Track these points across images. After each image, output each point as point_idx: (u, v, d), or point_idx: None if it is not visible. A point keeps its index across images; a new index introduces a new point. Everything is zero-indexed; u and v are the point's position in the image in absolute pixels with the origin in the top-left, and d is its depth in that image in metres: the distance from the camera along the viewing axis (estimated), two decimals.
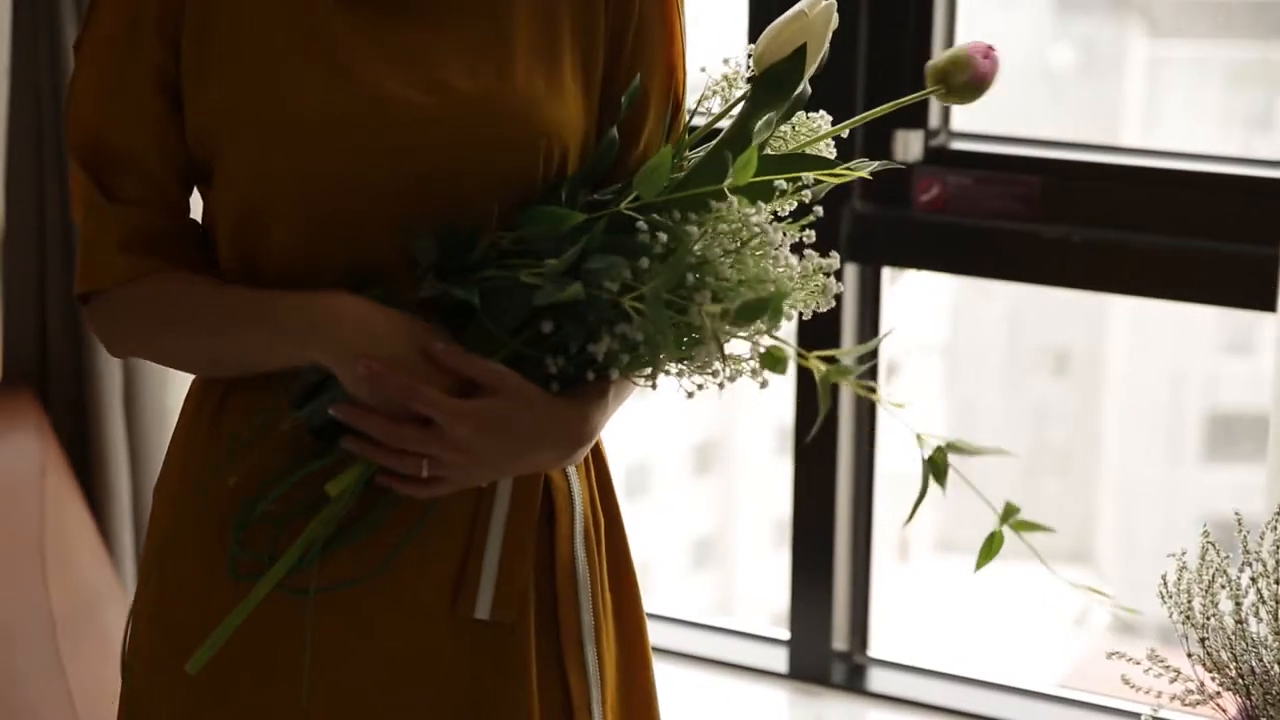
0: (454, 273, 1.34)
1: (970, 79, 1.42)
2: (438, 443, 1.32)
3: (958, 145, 2.40)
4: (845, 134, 1.43)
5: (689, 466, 5.87)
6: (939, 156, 2.39)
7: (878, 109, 1.46)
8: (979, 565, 1.38)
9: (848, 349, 1.36)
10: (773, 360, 1.34)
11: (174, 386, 2.43)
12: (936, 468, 1.33)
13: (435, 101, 1.34)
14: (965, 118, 2.47)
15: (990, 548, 1.36)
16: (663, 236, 1.31)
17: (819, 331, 2.46)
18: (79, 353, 2.40)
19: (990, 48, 1.43)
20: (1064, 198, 2.33)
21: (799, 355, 1.34)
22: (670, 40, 1.45)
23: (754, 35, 1.48)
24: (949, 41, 2.41)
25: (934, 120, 2.40)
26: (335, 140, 1.33)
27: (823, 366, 1.34)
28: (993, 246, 2.37)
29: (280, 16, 1.34)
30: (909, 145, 2.38)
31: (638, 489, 5.78)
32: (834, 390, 1.34)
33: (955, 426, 5.53)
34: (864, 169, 1.41)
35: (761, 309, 1.30)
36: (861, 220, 2.42)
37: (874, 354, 2.39)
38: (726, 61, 1.45)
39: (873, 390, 1.36)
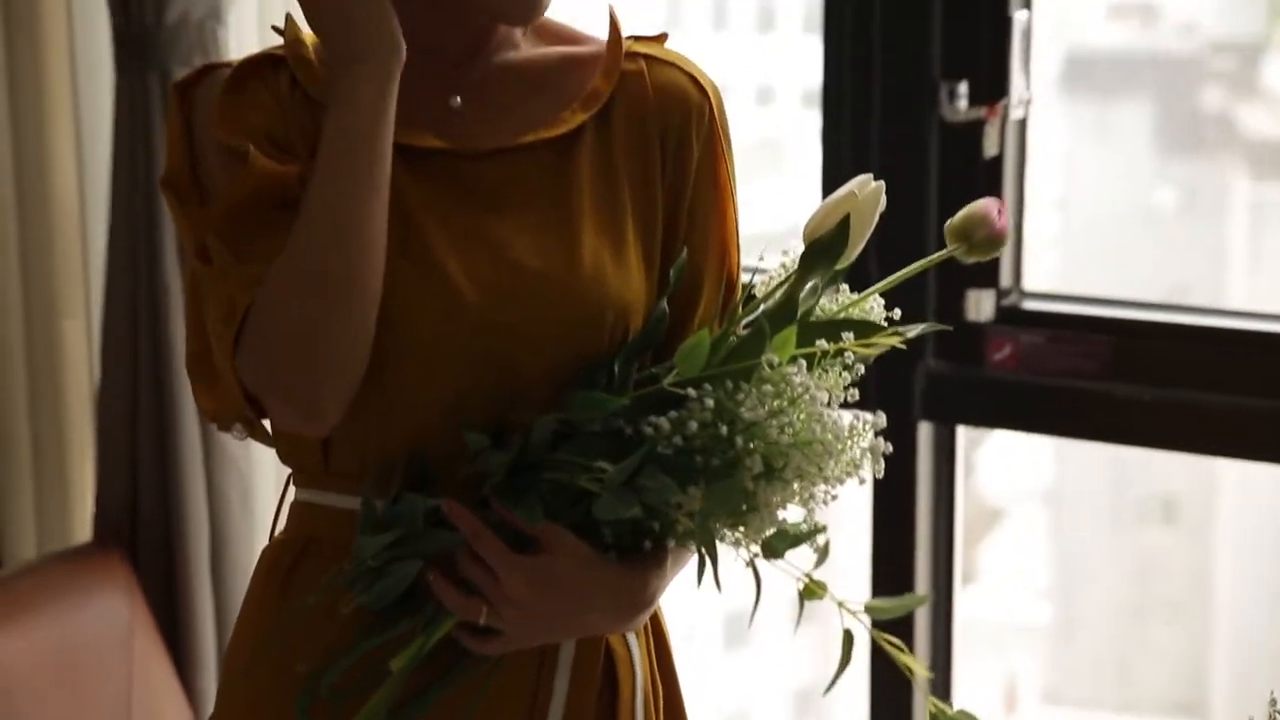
0: (514, 471, 1.43)
1: (989, 234, 1.52)
2: (494, 591, 1.40)
3: (1030, 305, 2.48)
4: (892, 305, 1.52)
5: (788, 616, 5.89)
6: (1011, 316, 2.47)
7: (902, 271, 1.54)
8: None
9: (884, 602, 1.47)
10: (810, 593, 1.45)
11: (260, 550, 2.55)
12: None
13: (507, 281, 1.43)
14: (1038, 277, 2.55)
15: None
16: (709, 402, 1.39)
17: (894, 487, 2.54)
18: (169, 514, 2.53)
19: (1001, 204, 1.53)
20: (1137, 357, 2.39)
21: (838, 604, 1.48)
22: (723, 220, 1.54)
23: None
24: (1019, 208, 2.50)
25: (1005, 279, 2.48)
26: (409, 316, 1.43)
27: (853, 611, 1.46)
28: (1067, 405, 2.44)
29: None
30: (981, 305, 2.46)
31: (736, 639, 5.82)
32: (850, 643, 1.49)
33: (1061, 575, 5.53)
34: (903, 335, 1.48)
35: (800, 539, 1.41)
36: (935, 379, 2.50)
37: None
38: (786, 252, 1.54)
39: (890, 643, 1.51)
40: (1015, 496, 5.43)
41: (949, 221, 1.53)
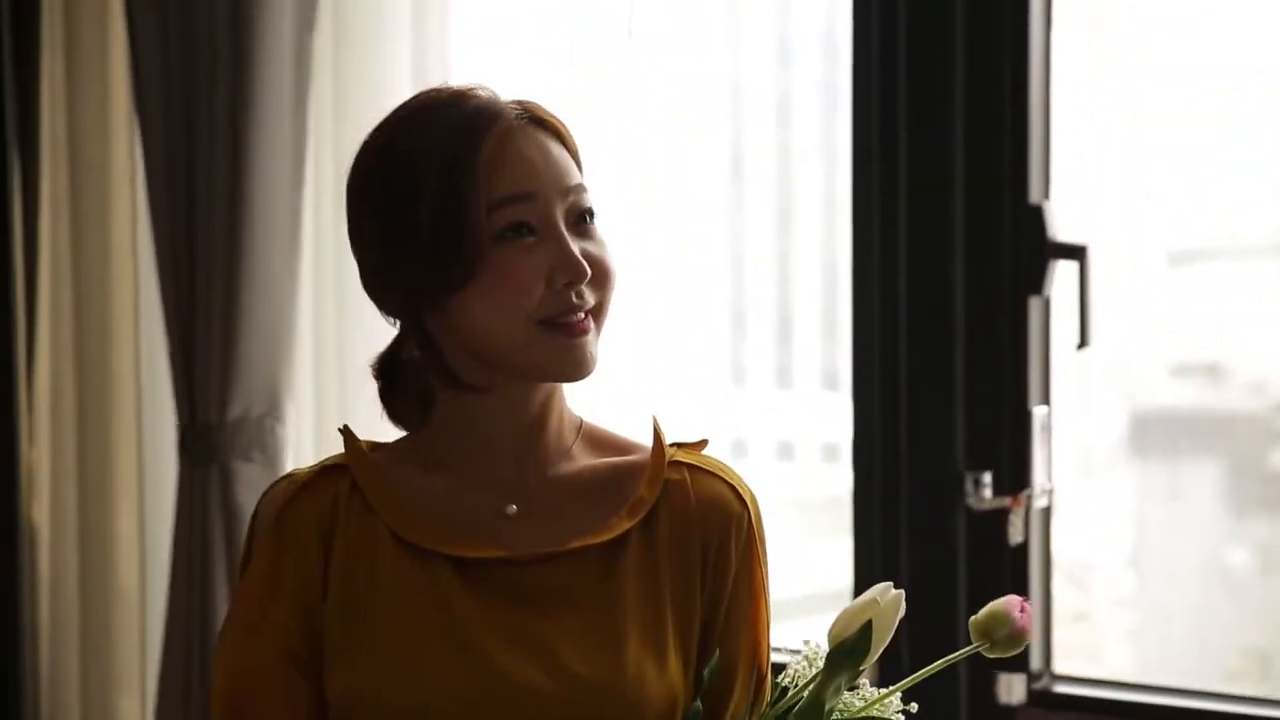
0: None
1: (1010, 633, 1.66)
2: None
3: (1061, 689, 2.66)
4: (908, 698, 1.68)
5: None
6: (1042, 699, 2.64)
7: (924, 670, 1.68)
8: None
9: None
10: None
11: None
12: None
13: (555, 687, 1.60)
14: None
15: None
16: None
17: None
18: None
19: (1024, 601, 1.67)
20: None
21: None
22: (756, 620, 1.71)
23: None
24: (1046, 594, 2.69)
25: (1036, 663, 2.66)
26: (465, 718, 1.59)
27: None
28: None
29: (419, 604, 1.62)
30: (1012, 688, 2.64)
31: None
32: None
33: None
34: None
35: None
36: None
37: None
38: (807, 642, 1.71)
39: None
40: None
41: (973, 619, 1.68)
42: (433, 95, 1.66)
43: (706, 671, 1.65)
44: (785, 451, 5.14)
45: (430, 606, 1.62)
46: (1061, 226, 2.63)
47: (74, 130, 3.04)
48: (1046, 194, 2.64)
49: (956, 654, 1.70)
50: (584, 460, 1.71)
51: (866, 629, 1.66)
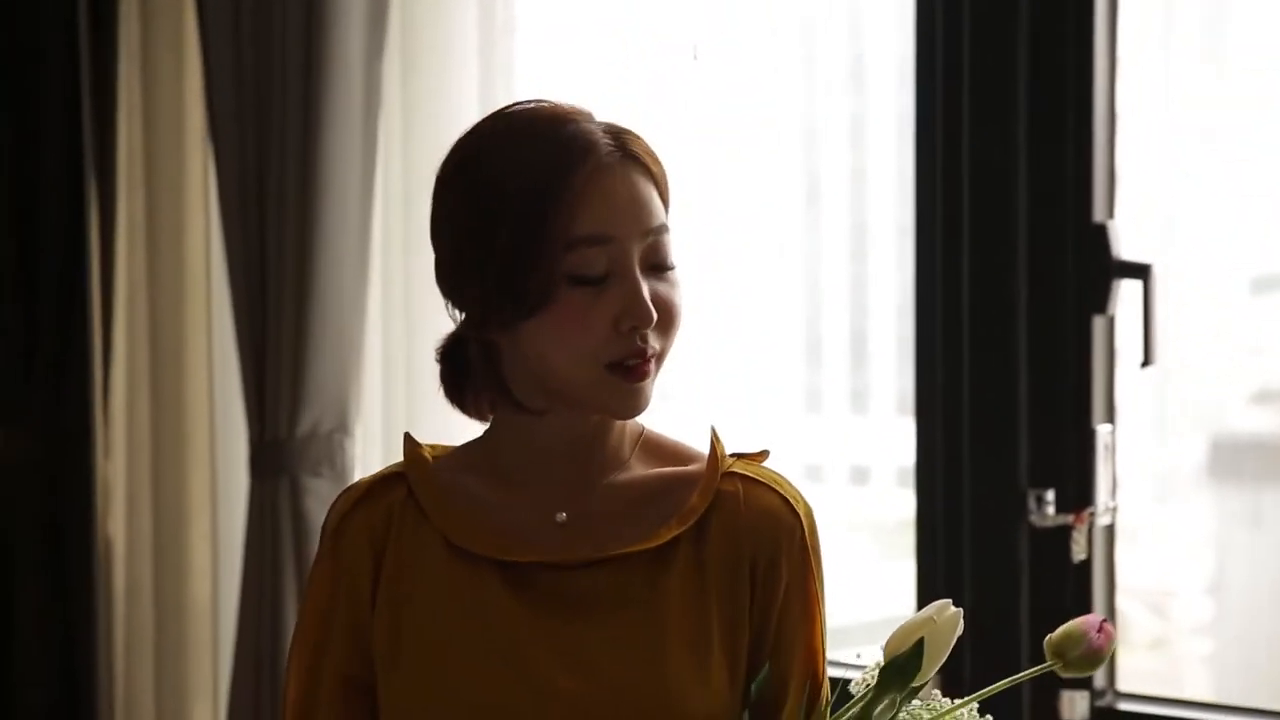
0: None
1: (1085, 652, 1.65)
2: None
3: (1124, 706, 2.69)
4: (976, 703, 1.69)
5: None
6: (1105, 717, 2.67)
7: (993, 686, 1.67)
8: None
9: None
10: None
11: None
12: None
13: (593, 691, 1.63)
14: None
15: None
16: None
17: None
18: None
19: (1104, 620, 1.67)
20: None
21: None
22: (811, 630, 1.72)
23: None
24: (1110, 611, 2.72)
25: (1099, 680, 2.70)
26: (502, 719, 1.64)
27: None
28: None
29: (461, 608, 1.65)
30: (1075, 705, 2.67)
31: None
32: None
33: None
34: None
35: None
36: None
37: None
38: (858, 656, 1.72)
39: None
40: None
41: (1048, 637, 1.67)
42: (531, 112, 1.67)
43: (754, 685, 1.67)
44: (860, 476, 5.17)
45: (472, 610, 1.65)
46: (1126, 245, 2.67)
47: (150, 155, 3.14)
48: (1111, 213, 2.68)
49: (1028, 671, 1.69)
50: (640, 469, 1.73)
51: (919, 646, 1.66)
